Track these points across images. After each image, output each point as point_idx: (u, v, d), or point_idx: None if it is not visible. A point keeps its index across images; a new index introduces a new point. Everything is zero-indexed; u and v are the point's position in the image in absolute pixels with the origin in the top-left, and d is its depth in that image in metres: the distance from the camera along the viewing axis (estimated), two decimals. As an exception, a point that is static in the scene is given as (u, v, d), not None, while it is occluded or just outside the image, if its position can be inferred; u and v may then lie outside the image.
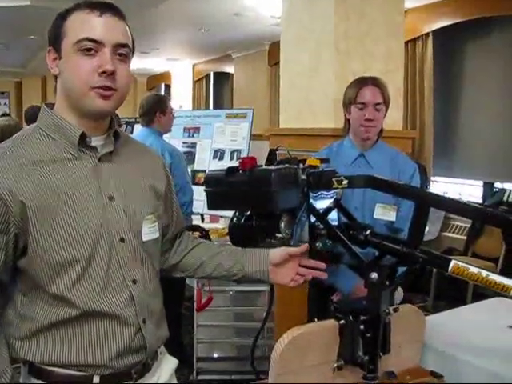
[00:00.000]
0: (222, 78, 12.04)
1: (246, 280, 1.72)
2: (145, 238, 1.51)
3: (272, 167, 1.59)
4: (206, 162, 5.11)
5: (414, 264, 1.56)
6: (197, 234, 2.25)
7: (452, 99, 6.40)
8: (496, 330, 2.13)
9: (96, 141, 1.46)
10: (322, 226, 1.67)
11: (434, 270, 5.20)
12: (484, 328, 2.15)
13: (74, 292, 1.38)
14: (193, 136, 5.30)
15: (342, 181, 1.61)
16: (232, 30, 8.32)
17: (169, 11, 6.78)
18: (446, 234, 5.86)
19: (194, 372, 3.81)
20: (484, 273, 1.44)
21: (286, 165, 1.68)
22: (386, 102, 2.48)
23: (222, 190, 1.63)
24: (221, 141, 5.07)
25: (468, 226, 5.53)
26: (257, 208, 1.58)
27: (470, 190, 6.19)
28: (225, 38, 9.10)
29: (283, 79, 3.73)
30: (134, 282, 1.47)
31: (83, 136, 1.42)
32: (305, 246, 1.64)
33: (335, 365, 1.60)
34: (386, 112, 2.50)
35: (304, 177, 1.62)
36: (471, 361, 1.87)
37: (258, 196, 1.54)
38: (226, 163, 4.90)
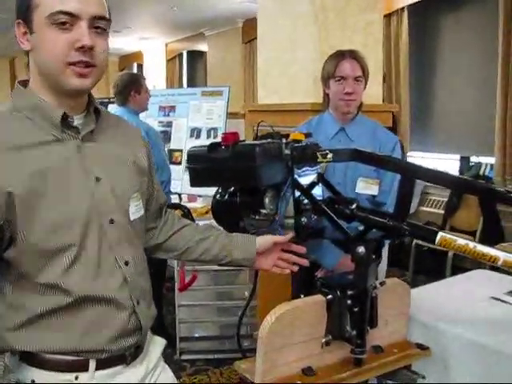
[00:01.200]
0: (196, 57, 11.93)
1: (230, 265, 1.73)
2: (132, 216, 1.47)
3: (255, 142, 1.56)
4: (182, 141, 5.05)
5: (401, 237, 1.55)
6: (178, 212, 2.21)
7: (428, 74, 6.41)
8: (479, 301, 2.15)
9: (76, 120, 1.39)
10: (306, 201, 1.66)
11: (413, 244, 5.25)
12: (467, 300, 2.17)
13: (66, 279, 1.33)
14: (168, 115, 5.22)
15: (326, 154, 1.59)
16: (205, 7, 8.22)
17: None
18: (423, 208, 5.89)
19: (177, 352, 3.81)
20: (471, 244, 1.43)
21: (269, 140, 1.65)
22: (366, 75, 2.46)
23: (204, 166, 1.60)
24: (197, 119, 5.00)
25: (445, 200, 5.56)
26: (241, 183, 1.56)
27: (446, 165, 6.23)
28: (197, 15, 8.99)
29: (261, 54, 3.67)
30: (126, 263, 1.43)
31: (65, 116, 1.35)
32: (289, 235, 1.65)
33: (323, 340, 1.59)
34: (365, 85, 2.48)
35: (288, 151, 1.60)
36: (457, 332, 1.87)
37: (243, 171, 1.51)
38: (203, 141, 4.84)
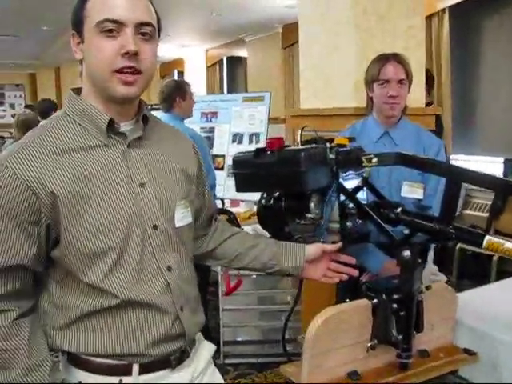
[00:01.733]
0: (236, 63, 11.98)
1: (278, 273, 1.73)
2: (178, 223, 1.48)
3: (300, 147, 1.58)
4: (224, 147, 5.10)
5: (448, 241, 1.56)
6: (224, 217, 2.24)
7: (470, 76, 6.31)
8: (527, 306, 2.12)
9: (124, 126, 1.42)
10: (351, 205, 1.66)
11: (457, 247, 5.17)
12: (515, 304, 2.13)
13: (108, 282, 1.36)
14: (210, 121, 5.28)
15: (371, 159, 1.60)
16: (244, 13, 8.25)
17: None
18: (467, 211, 5.80)
19: (221, 356, 3.83)
20: (519, 247, 1.41)
21: (313, 144, 1.67)
22: (409, 78, 2.45)
23: (250, 171, 1.62)
24: (239, 124, 5.04)
25: (489, 203, 5.47)
26: (287, 188, 1.57)
27: (490, 168, 6.12)
28: (237, 21, 9.02)
29: (302, 59, 3.66)
30: (169, 269, 1.44)
31: (111, 122, 1.39)
32: (339, 244, 1.66)
33: (369, 344, 1.59)
34: (409, 88, 2.47)
35: (332, 156, 1.61)
36: (505, 338, 1.85)
37: (288, 176, 1.53)
38: (245, 147, 4.88)
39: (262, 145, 4.87)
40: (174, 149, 1.56)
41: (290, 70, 9.50)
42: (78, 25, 1.37)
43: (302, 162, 1.49)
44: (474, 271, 5.14)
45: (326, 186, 1.60)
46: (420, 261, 1.57)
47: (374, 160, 1.59)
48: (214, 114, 5.28)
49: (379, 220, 1.57)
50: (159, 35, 1.43)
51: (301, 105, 3.61)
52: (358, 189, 1.71)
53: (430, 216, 1.58)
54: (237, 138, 5.05)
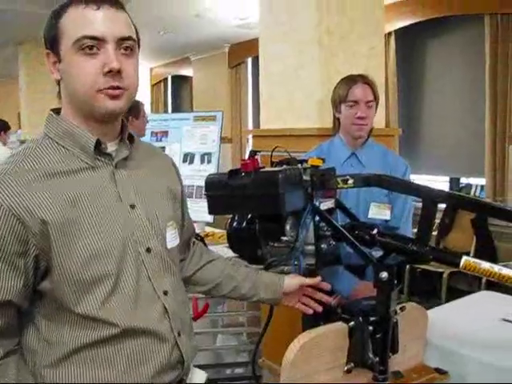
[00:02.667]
0: (181, 82, 11.94)
1: (256, 302, 1.77)
2: (169, 245, 1.44)
3: (277, 168, 1.56)
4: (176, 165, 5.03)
5: (425, 262, 1.55)
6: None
7: (415, 97, 6.48)
8: (490, 323, 2.15)
9: (110, 146, 1.37)
10: (326, 227, 1.65)
11: (407, 266, 5.26)
12: (479, 322, 2.16)
13: (104, 310, 1.29)
14: (161, 140, 5.20)
15: (347, 180, 1.59)
16: (192, 32, 8.25)
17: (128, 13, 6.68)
18: (414, 230, 5.91)
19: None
20: (496, 268, 1.43)
21: (284, 166, 1.65)
22: (377, 100, 2.48)
23: (224, 193, 1.58)
24: (190, 144, 4.98)
25: (438, 221, 5.60)
26: (263, 211, 1.54)
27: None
28: (184, 40, 9.02)
29: (263, 78, 3.66)
30: (165, 293, 1.40)
31: (98, 143, 1.33)
32: (318, 279, 1.70)
33: (345, 368, 1.57)
34: (375, 110, 2.49)
35: (307, 177, 1.59)
36: (472, 355, 1.87)
37: (265, 198, 1.50)
38: (197, 167, 4.84)
39: (214, 165, 4.86)
40: (159, 168, 1.53)
41: (237, 89, 9.54)
42: (52, 43, 1.31)
43: (280, 184, 1.47)
44: (425, 289, 5.24)
45: (302, 207, 1.58)
46: (396, 282, 1.56)
47: (350, 181, 1.58)
48: (165, 133, 5.21)
49: (355, 242, 1.56)
50: (139, 47, 1.38)
51: (261, 125, 3.60)
52: (331, 210, 1.69)
53: (406, 237, 1.58)
54: (188, 157, 4.99)
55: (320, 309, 1.73)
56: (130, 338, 1.32)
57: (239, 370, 3.92)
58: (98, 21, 1.27)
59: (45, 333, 1.31)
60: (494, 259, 4.98)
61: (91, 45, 1.26)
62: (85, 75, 1.27)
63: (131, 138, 1.44)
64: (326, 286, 1.71)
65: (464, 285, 5.19)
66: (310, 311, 1.74)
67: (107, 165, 1.36)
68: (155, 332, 1.35)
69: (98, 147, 1.34)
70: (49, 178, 1.27)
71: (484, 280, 4.66)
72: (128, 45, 1.31)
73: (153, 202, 1.43)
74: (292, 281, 1.69)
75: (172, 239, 1.46)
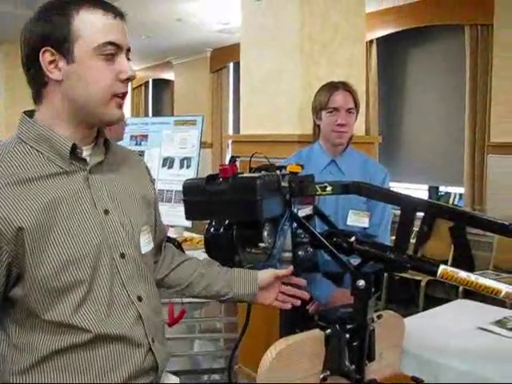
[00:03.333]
0: (162, 85, 11.91)
1: (231, 301, 1.71)
2: (143, 250, 1.43)
3: (255, 174, 1.54)
4: (154, 171, 4.99)
5: (402, 270, 1.54)
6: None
7: (396, 105, 6.53)
8: (467, 331, 2.17)
9: (85, 151, 1.36)
10: (303, 234, 1.64)
11: (386, 273, 5.27)
12: (455, 330, 2.18)
13: (78, 316, 1.27)
14: (140, 144, 5.15)
15: (325, 187, 1.58)
16: (174, 36, 8.24)
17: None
18: (393, 237, 5.93)
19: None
20: (473, 277, 1.43)
21: (262, 172, 1.63)
22: (357, 107, 2.48)
23: (201, 198, 1.56)
24: (170, 148, 4.95)
25: (416, 229, 5.61)
26: (241, 217, 1.52)
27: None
28: (166, 44, 9.01)
29: (244, 84, 3.66)
30: (139, 299, 1.38)
31: (74, 148, 1.31)
32: (290, 268, 1.63)
33: (321, 376, 1.56)
34: (356, 117, 2.49)
35: (286, 184, 1.58)
36: (449, 364, 1.88)
37: (243, 205, 1.48)
38: (176, 171, 4.81)
39: (193, 169, 4.84)
40: (133, 172, 1.52)
41: (218, 94, 9.54)
42: (60, 43, 1.27)
43: (258, 190, 1.45)
44: (402, 296, 5.26)
45: (280, 214, 1.57)
46: (374, 290, 1.55)
47: (329, 188, 1.57)
48: (145, 136, 5.17)
49: (333, 249, 1.55)
50: None
51: (241, 130, 3.59)
52: (309, 217, 1.68)
53: (384, 245, 1.58)
54: (167, 162, 4.96)
55: (298, 303, 1.69)
56: (102, 343, 1.30)
57: (216, 377, 3.90)
58: (117, 29, 1.31)
59: (15, 339, 1.28)
60: (471, 268, 5.01)
61: (112, 52, 1.29)
62: (103, 79, 1.29)
63: (106, 143, 1.43)
64: (302, 281, 1.68)
65: (441, 293, 5.22)
66: (288, 306, 1.70)
67: (81, 170, 1.35)
68: (129, 338, 1.34)
69: (73, 151, 1.32)
70: (22, 183, 1.25)
71: (461, 288, 4.68)
72: (129, 56, 1.36)
73: (127, 208, 1.42)
74: (265, 272, 1.65)
75: (146, 244, 1.45)
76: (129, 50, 1.35)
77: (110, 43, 1.28)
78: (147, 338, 1.38)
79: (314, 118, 2.54)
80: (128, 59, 1.35)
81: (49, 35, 1.27)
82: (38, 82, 1.32)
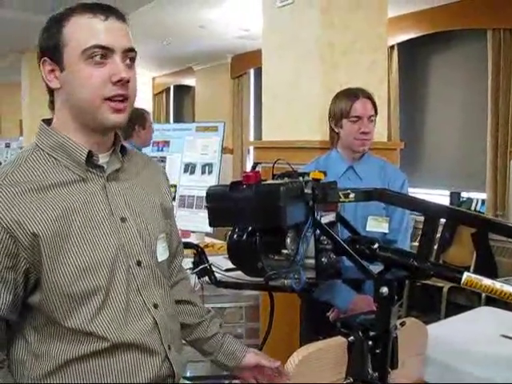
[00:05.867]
0: (183, 91, 11.97)
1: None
2: (160, 258, 1.44)
3: (279, 181, 1.55)
4: (176, 177, 5.02)
5: (426, 277, 1.53)
6: (190, 251, 2.19)
7: (417, 111, 6.49)
8: (490, 339, 2.14)
9: (101, 158, 1.37)
10: (326, 241, 1.64)
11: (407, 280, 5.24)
12: (479, 338, 2.16)
13: (95, 324, 1.28)
14: (162, 150, 5.20)
15: (348, 194, 1.58)
16: (195, 42, 8.28)
17: (133, 23, 6.71)
18: (415, 243, 5.89)
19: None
20: (498, 284, 1.41)
21: (285, 179, 1.64)
22: (376, 114, 2.48)
23: (225, 205, 1.57)
24: (191, 154, 4.98)
25: (438, 235, 5.59)
26: (265, 224, 1.53)
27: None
28: (187, 50, 9.06)
29: (265, 90, 3.68)
30: (155, 306, 1.39)
31: (90, 155, 1.33)
32: (278, 363, 1.63)
33: (344, 383, 1.56)
34: (374, 124, 2.49)
35: (308, 191, 1.59)
36: (472, 371, 1.86)
37: (267, 211, 1.49)
38: (198, 177, 4.83)
39: (215, 175, 4.85)
40: (151, 181, 1.52)
41: (239, 100, 9.56)
42: (53, 51, 1.30)
43: (282, 197, 1.46)
44: (424, 303, 5.22)
45: (303, 221, 1.57)
46: (396, 297, 1.55)
47: (351, 195, 1.57)
48: (166, 143, 5.21)
49: (356, 256, 1.55)
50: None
51: (263, 137, 3.60)
52: (332, 224, 1.69)
53: (407, 252, 1.57)
54: (189, 168, 4.98)
55: None
56: (119, 351, 1.31)
57: (237, 382, 3.89)
58: (106, 31, 1.28)
59: (34, 345, 1.29)
60: (494, 274, 4.96)
61: (101, 54, 1.27)
62: (92, 84, 1.28)
63: (123, 150, 1.44)
64: (286, 377, 1.57)
65: (464, 300, 5.17)
66: None
67: (99, 177, 1.36)
68: (145, 345, 1.34)
69: (90, 159, 1.33)
70: (40, 190, 1.26)
71: (484, 295, 4.64)
72: (132, 56, 1.33)
73: (144, 215, 1.42)
74: (253, 357, 1.65)
75: (162, 252, 1.46)
76: (130, 50, 1.32)
77: (97, 46, 1.27)
78: (163, 346, 1.38)
79: (331, 126, 2.53)
80: (131, 59, 1.33)
81: (46, 45, 1.32)
82: (48, 91, 1.37)
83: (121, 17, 1.33)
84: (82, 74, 1.28)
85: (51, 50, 1.31)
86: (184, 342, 1.65)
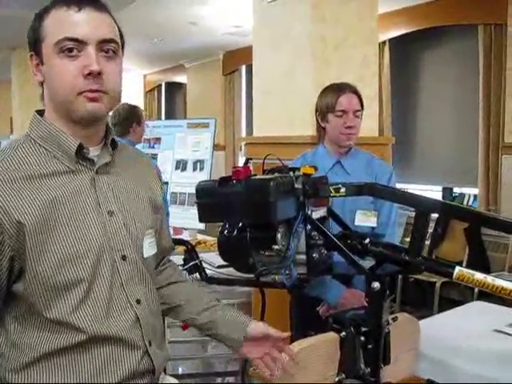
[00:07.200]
0: (175, 88, 11.92)
1: (215, 338, 1.61)
2: (146, 254, 1.42)
3: (268, 176, 1.54)
4: (167, 174, 5.00)
5: (417, 272, 1.53)
6: (181, 248, 2.17)
7: (409, 107, 6.49)
8: (483, 334, 2.14)
9: (92, 151, 1.35)
10: (317, 237, 1.63)
11: (400, 275, 5.24)
12: (471, 333, 2.15)
13: (76, 316, 1.27)
14: (153, 147, 5.18)
15: (339, 189, 1.57)
16: (186, 39, 8.25)
17: (123, 20, 6.67)
18: (408, 239, 5.90)
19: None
20: (489, 278, 1.41)
21: (276, 174, 1.63)
22: (363, 108, 2.46)
23: (215, 201, 1.56)
24: (183, 151, 4.96)
25: (430, 231, 5.58)
26: (255, 219, 1.52)
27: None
28: (178, 47, 9.02)
29: (256, 85, 3.67)
30: (138, 301, 1.37)
31: (80, 147, 1.31)
32: (286, 334, 1.54)
33: (336, 379, 1.55)
34: (361, 118, 2.48)
35: (299, 186, 1.58)
36: (465, 366, 1.86)
37: (257, 207, 1.48)
38: (189, 174, 4.82)
39: (206, 172, 4.84)
40: (141, 176, 1.50)
41: (231, 97, 9.54)
42: (35, 45, 1.30)
43: (271, 192, 1.45)
44: (416, 298, 5.22)
45: (294, 216, 1.56)
46: (388, 292, 1.54)
47: (342, 190, 1.56)
48: (158, 140, 5.19)
49: (347, 251, 1.54)
50: (123, 51, 1.37)
51: (254, 132, 3.59)
52: (323, 219, 1.68)
53: (399, 247, 1.57)
54: (180, 164, 4.96)
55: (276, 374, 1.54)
56: (98, 344, 1.29)
57: (230, 379, 3.89)
58: (80, 23, 1.26)
59: (13, 336, 1.28)
60: (486, 269, 4.97)
61: (71, 47, 1.25)
62: (65, 77, 1.25)
63: (114, 143, 1.41)
64: (291, 354, 1.53)
65: (456, 295, 5.18)
66: (268, 372, 1.54)
67: (88, 170, 1.34)
68: (125, 339, 1.32)
69: (80, 151, 1.32)
70: (27, 179, 1.25)
71: (477, 290, 4.64)
72: (110, 47, 1.29)
73: (132, 210, 1.40)
74: (258, 327, 1.54)
75: (149, 248, 1.43)
76: (107, 41, 1.28)
77: (68, 39, 1.24)
78: (144, 341, 1.37)
79: (318, 120, 2.52)
80: (110, 51, 1.29)
81: (30, 40, 1.31)
82: (39, 84, 1.35)
83: (98, 6, 1.30)
84: (55, 67, 1.26)
85: (34, 44, 1.30)
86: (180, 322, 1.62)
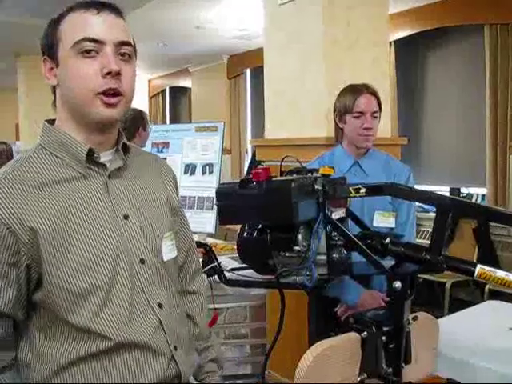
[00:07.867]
0: (179, 93, 11.95)
1: None
2: (165, 257, 1.42)
3: (289, 178, 1.55)
4: (177, 178, 5.00)
5: (439, 271, 1.53)
6: (200, 250, 2.16)
7: (415, 107, 6.49)
8: (499, 332, 2.15)
9: (104, 156, 1.36)
10: (337, 237, 1.63)
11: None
12: (487, 332, 2.16)
13: (97, 321, 1.27)
14: (162, 151, 5.17)
15: (359, 189, 1.58)
16: (191, 43, 8.28)
17: (129, 24, 6.71)
18: (417, 240, 5.90)
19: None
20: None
21: (294, 175, 1.63)
22: (380, 110, 2.47)
23: (236, 203, 1.56)
24: (191, 155, 4.96)
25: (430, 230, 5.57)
26: (276, 220, 1.52)
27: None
28: (183, 51, 9.05)
29: (268, 87, 3.68)
30: (160, 306, 1.37)
31: (90, 152, 1.32)
32: None
33: (358, 379, 1.55)
34: (379, 120, 2.49)
35: (319, 186, 1.58)
36: (484, 365, 1.86)
37: (278, 208, 1.48)
38: (198, 178, 4.81)
39: (215, 176, 4.84)
40: (157, 178, 1.51)
41: (236, 100, 9.56)
42: (50, 49, 1.31)
43: (293, 193, 1.45)
44: (427, 298, 5.21)
45: (314, 217, 1.57)
46: (409, 292, 1.55)
47: (362, 190, 1.57)
48: (166, 144, 5.19)
49: (368, 251, 1.55)
50: (135, 57, 1.39)
51: (265, 135, 3.59)
52: (342, 220, 1.68)
53: (419, 246, 1.56)
54: (189, 168, 4.96)
55: None
56: (123, 351, 1.29)
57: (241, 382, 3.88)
58: (98, 24, 1.28)
59: (38, 346, 1.29)
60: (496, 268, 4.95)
61: (90, 48, 1.27)
62: (83, 77, 1.27)
63: (126, 148, 1.42)
64: None
65: (466, 295, 5.17)
66: None
67: (101, 175, 1.35)
68: (150, 345, 1.32)
69: (91, 156, 1.32)
70: (40, 186, 1.26)
71: (487, 290, 4.65)
72: (126, 51, 1.32)
73: (148, 213, 1.41)
74: None
75: (168, 251, 1.44)
76: (124, 44, 1.31)
77: (88, 39, 1.26)
78: (169, 346, 1.36)
79: (336, 122, 2.52)
80: (123, 54, 1.31)
81: (44, 44, 1.33)
82: (52, 91, 1.37)
83: (115, 10, 1.32)
84: (73, 67, 1.28)
85: (49, 47, 1.32)
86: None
